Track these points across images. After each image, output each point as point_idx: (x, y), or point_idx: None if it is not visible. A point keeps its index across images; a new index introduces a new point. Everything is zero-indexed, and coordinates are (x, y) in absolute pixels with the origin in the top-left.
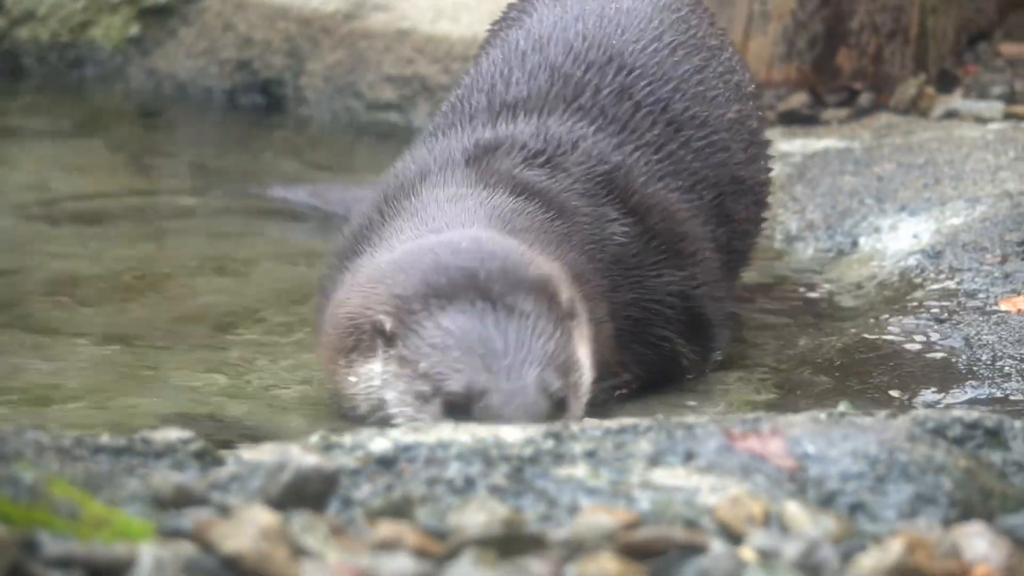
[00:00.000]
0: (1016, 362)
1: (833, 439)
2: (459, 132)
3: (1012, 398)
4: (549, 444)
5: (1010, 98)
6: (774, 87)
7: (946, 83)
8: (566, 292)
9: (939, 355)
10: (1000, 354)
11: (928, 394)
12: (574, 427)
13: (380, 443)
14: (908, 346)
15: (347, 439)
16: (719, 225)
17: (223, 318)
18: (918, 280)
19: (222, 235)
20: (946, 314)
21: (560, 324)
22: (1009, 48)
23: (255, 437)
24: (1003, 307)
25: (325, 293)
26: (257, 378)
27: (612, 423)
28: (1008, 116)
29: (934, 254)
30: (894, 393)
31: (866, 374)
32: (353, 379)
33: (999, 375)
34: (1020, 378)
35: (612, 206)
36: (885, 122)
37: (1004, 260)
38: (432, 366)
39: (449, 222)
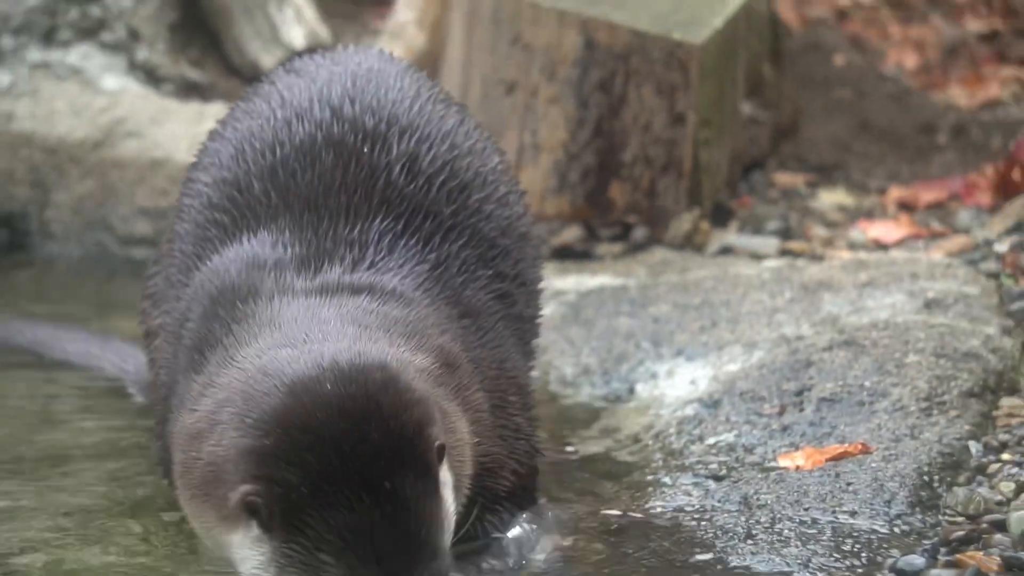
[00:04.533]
0: (795, 524)
1: None
2: (267, 234)
3: (790, 567)
4: None
5: (785, 233)
6: (547, 220)
7: (721, 217)
8: (436, 430)
9: (717, 517)
10: (779, 516)
11: (705, 562)
12: None
13: None
14: (686, 507)
15: None
16: (520, 289)
17: None
18: (696, 432)
19: None
20: (724, 470)
21: (435, 489)
22: (783, 178)
23: None
24: (782, 463)
25: (168, 410)
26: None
27: None
28: (783, 252)
29: (712, 403)
30: (670, 561)
31: (643, 539)
32: (223, 541)
33: (778, 539)
34: (799, 543)
35: (444, 302)
36: (660, 258)
37: (782, 411)
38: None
39: (307, 332)
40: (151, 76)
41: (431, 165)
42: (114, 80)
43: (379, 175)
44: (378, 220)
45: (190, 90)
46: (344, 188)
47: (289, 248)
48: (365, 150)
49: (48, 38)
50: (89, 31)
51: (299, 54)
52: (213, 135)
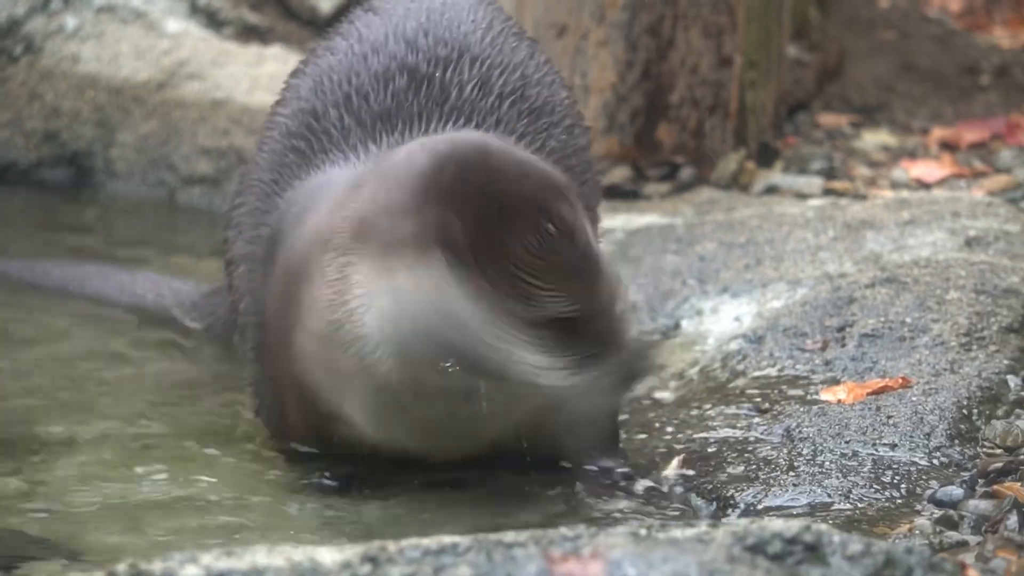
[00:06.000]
0: (836, 457)
1: (653, 561)
2: (339, 153)
3: (831, 498)
4: (366, 569)
5: (829, 173)
6: (596, 161)
7: (766, 157)
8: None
9: (761, 450)
10: (820, 448)
11: (749, 495)
12: (392, 548)
13: (191, 571)
14: (730, 440)
15: (157, 566)
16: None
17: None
18: (740, 367)
19: None
20: (767, 404)
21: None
22: (827, 119)
23: (50, 556)
24: (824, 397)
25: None
26: (56, 481)
27: (432, 542)
28: (827, 191)
29: (756, 339)
30: (715, 494)
31: (687, 471)
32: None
33: (820, 471)
34: (840, 475)
35: None
36: (707, 197)
37: (824, 346)
38: None
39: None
40: (212, 19)
41: (503, 87)
42: (176, 23)
43: (451, 90)
44: (450, 124)
45: (249, 33)
46: (416, 103)
47: (359, 159)
48: (437, 74)
49: None
50: None
51: None
52: (296, 72)
